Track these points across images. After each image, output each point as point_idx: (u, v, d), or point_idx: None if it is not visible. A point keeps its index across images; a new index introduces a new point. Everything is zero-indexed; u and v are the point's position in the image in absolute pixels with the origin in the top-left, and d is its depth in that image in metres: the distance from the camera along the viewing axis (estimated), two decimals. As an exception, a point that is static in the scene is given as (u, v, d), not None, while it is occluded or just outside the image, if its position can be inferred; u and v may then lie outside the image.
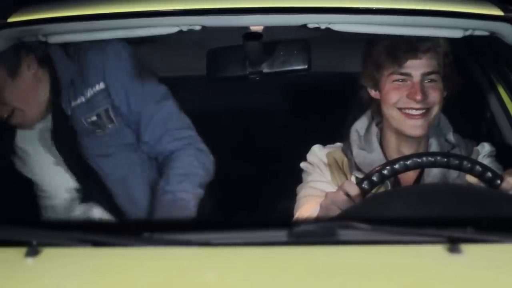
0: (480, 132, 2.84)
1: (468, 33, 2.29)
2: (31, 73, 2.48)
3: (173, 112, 2.59)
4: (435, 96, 2.34)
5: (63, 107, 2.53)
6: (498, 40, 2.29)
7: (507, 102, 2.67)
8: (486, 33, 2.30)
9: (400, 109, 2.36)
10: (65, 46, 2.53)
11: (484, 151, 2.45)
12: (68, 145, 2.55)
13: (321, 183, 2.40)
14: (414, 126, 2.35)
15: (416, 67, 2.33)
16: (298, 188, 2.46)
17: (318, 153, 2.46)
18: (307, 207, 2.31)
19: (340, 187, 2.05)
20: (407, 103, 2.34)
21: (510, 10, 2.30)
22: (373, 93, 2.44)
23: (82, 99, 2.53)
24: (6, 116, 2.46)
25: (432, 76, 2.34)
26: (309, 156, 2.48)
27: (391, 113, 2.38)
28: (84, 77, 2.53)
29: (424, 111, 2.34)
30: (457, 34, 2.29)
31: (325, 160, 2.44)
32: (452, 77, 2.40)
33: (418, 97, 2.31)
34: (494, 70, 2.70)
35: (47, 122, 2.55)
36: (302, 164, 2.48)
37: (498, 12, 2.28)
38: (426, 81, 2.34)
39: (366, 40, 2.47)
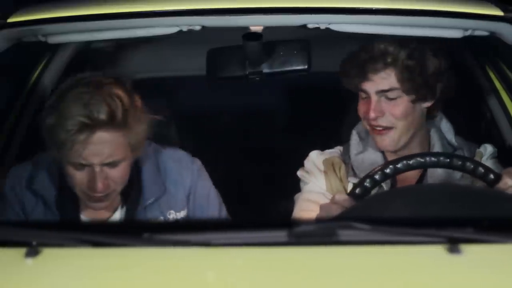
0: (480, 132, 2.84)
1: (468, 33, 2.29)
2: None
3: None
4: (395, 113, 2.29)
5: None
6: (498, 40, 2.30)
7: (507, 102, 2.67)
8: (486, 33, 2.31)
9: (369, 124, 2.35)
10: None
11: (487, 153, 2.42)
12: None
13: (316, 195, 2.37)
14: (382, 141, 2.33)
15: (371, 85, 2.30)
16: (295, 197, 2.45)
17: (315, 160, 2.44)
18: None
19: (332, 200, 2.02)
20: (369, 119, 2.32)
21: (510, 10, 2.30)
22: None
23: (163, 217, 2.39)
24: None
25: (389, 94, 2.29)
26: (306, 162, 2.47)
27: (366, 125, 2.37)
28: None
29: (382, 128, 2.31)
30: (457, 34, 2.30)
31: (321, 167, 2.42)
32: (425, 87, 2.30)
33: (372, 115, 2.29)
34: (494, 70, 2.70)
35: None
36: (299, 172, 2.47)
37: (498, 12, 2.28)
38: (382, 98, 2.30)
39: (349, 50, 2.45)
